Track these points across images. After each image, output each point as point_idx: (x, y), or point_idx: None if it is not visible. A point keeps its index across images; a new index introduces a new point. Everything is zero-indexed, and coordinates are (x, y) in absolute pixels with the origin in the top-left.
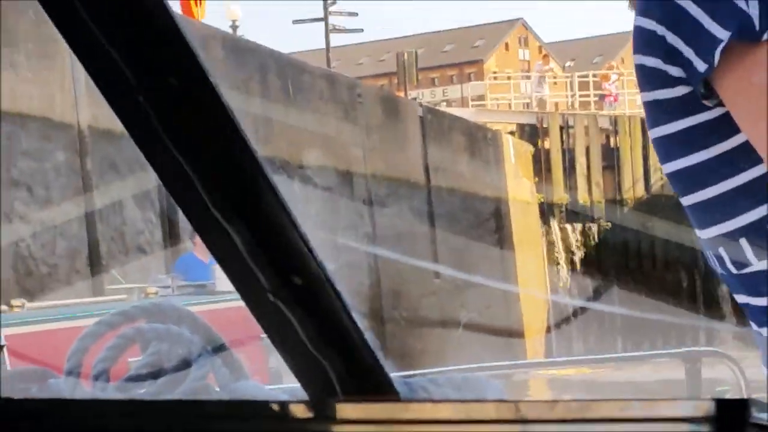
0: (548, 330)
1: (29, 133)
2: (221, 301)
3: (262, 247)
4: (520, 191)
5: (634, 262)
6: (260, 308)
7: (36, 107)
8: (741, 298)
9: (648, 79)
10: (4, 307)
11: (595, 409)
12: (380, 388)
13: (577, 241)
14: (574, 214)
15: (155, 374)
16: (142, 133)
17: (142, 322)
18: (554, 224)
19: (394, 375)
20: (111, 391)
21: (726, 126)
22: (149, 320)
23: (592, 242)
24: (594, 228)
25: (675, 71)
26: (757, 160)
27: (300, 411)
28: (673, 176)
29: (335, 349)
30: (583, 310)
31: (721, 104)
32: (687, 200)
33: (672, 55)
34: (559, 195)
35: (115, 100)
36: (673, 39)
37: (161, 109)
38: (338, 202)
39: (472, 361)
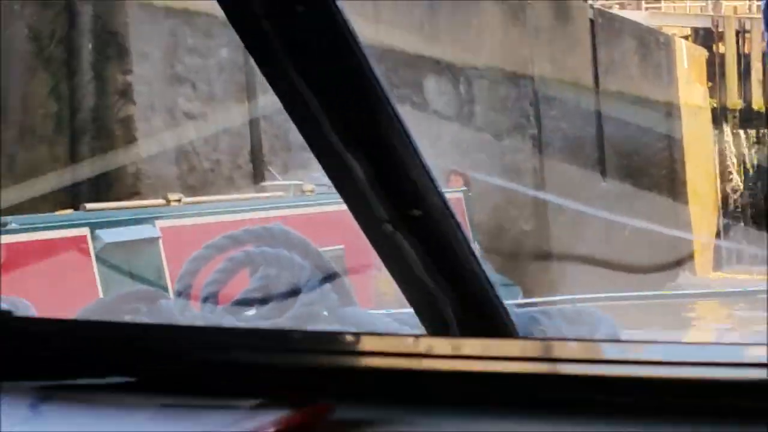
0: (717, 237)
1: (194, 29)
2: None
3: (381, 177)
4: (692, 96)
5: None
6: (377, 238)
7: (201, 3)
8: None
9: None
10: (161, 201)
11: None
12: (496, 321)
13: (750, 147)
14: (747, 121)
15: (264, 299)
16: (266, 57)
17: (251, 246)
18: (727, 130)
19: (506, 303)
20: (219, 314)
21: None
22: (258, 245)
23: (766, 149)
24: None
25: None
26: None
27: (416, 346)
28: None
29: (451, 282)
30: (755, 217)
31: None
32: None
33: None
34: (733, 101)
35: (239, 24)
36: None
37: (286, 35)
38: (505, 103)
39: (640, 264)
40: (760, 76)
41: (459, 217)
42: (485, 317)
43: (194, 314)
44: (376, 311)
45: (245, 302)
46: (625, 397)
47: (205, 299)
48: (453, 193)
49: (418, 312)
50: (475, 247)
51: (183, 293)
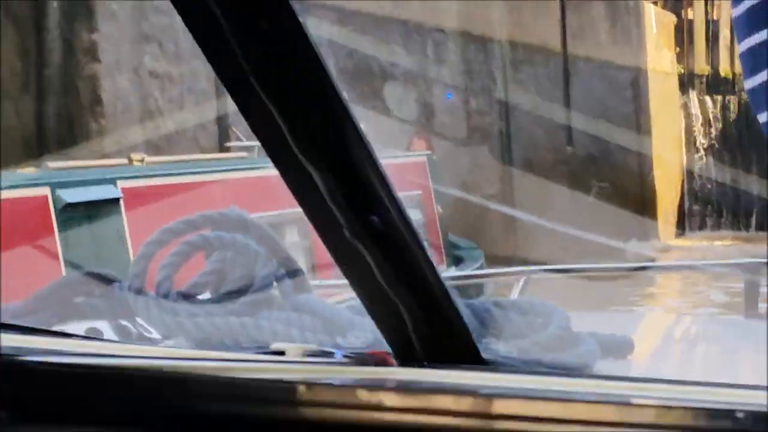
0: (681, 202)
1: None
2: None
3: (341, 187)
4: (660, 62)
5: None
6: (338, 248)
7: None
8: None
9: None
10: (124, 161)
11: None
12: (454, 331)
13: (716, 113)
14: (715, 87)
15: (219, 283)
16: (231, 73)
17: (208, 230)
18: (693, 96)
19: (446, 276)
20: (173, 297)
21: None
22: (215, 229)
23: (732, 115)
24: (734, 101)
25: None
26: None
27: (379, 374)
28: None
29: (410, 291)
30: (719, 183)
31: None
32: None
33: None
34: (701, 67)
35: (206, 42)
36: None
37: (250, 51)
38: (472, 65)
39: (604, 228)
40: (728, 43)
41: (422, 181)
42: (443, 326)
43: (148, 298)
44: (332, 284)
45: (200, 285)
46: None
47: (160, 283)
48: (416, 157)
49: (375, 320)
50: (438, 211)
51: (138, 277)
